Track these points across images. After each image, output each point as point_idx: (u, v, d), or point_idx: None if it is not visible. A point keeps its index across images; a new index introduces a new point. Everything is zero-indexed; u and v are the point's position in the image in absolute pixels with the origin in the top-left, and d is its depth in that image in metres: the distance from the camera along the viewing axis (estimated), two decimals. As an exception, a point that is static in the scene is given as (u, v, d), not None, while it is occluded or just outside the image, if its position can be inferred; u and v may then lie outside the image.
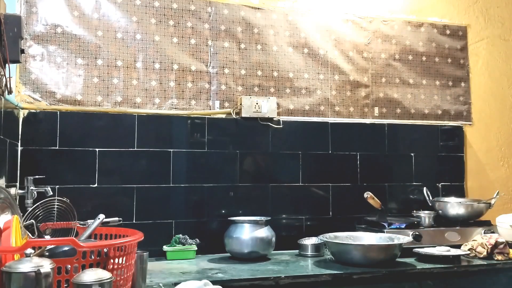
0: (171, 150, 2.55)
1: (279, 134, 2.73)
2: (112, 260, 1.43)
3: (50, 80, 2.40)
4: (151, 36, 2.58)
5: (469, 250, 2.40)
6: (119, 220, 2.02)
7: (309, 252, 2.47)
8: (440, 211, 2.76)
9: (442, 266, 2.22)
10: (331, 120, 2.85)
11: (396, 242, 2.30)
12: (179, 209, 2.54)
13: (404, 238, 2.31)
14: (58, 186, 2.31)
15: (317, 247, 2.48)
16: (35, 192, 2.12)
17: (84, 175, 2.39)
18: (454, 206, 2.73)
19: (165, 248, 2.40)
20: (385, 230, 2.47)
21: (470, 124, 3.13)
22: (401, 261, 2.28)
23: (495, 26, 3.25)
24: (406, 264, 2.24)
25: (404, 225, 2.53)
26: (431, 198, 2.87)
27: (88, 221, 1.93)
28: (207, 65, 2.67)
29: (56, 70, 2.42)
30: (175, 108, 2.59)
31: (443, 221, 2.72)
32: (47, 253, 1.41)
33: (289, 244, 2.59)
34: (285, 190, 2.73)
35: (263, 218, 2.44)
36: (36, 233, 1.74)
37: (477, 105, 3.18)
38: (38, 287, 1.19)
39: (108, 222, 1.93)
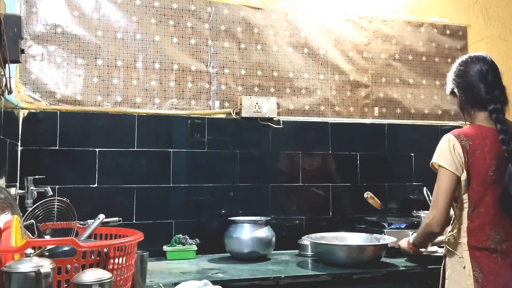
0: (171, 150, 2.55)
1: (279, 134, 2.73)
2: (112, 260, 1.43)
3: (50, 80, 2.40)
4: (151, 36, 2.58)
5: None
6: (119, 220, 2.02)
7: (309, 252, 2.47)
8: (440, 211, 2.75)
9: (442, 266, 2.22)
10: (331, 120, 2.85)
11: (381, 242, 2.32)
12: (179, 209, 2.54)
13: (389, 239, 2.31)
14: (58, 186, 2.31)
15: (317, 247, 2.48)
16: (35, 192, 2.12)
17: (84, 175, 2.39)
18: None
19: (165, 248, 2.40)
20: (385, 230, 2.47)
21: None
22: (401, 261, 2.28)
23: (495, 26, 3.25)
24: (406, 264, 2.24)
25: (404, 225, 2.53)
26: (431, 198, 2.86)
27: (88, 221, 1.93)
28: (207, 65, 2.67)
29: (56, 70, 2.42)
30: (175, 108, 2.59)
31: (443, 221, 2.71)
32: (47, 253, 1.41)
33: (289, 244, 2.59)
34: (285, 190, 2.73)
35: (263, 218, 2.44)
36: (36, 233, 1.74)
37: (477, 105, 3.18)
38: (38, 287, 1.19)
39: (108, 222, 1.93)
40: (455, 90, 1.86)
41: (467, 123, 1.89)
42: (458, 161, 1.71)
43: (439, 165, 1.75)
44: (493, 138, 1.73)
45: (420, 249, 2.02)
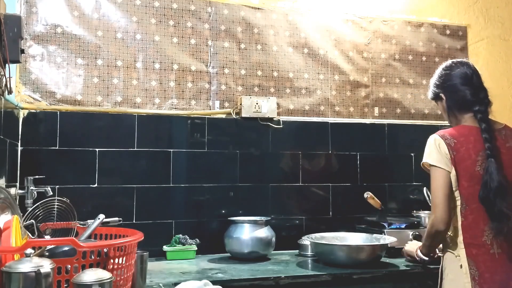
0: (171, 150, 2.55)
1: (279, 134, 2.73)
2: (112, 260, 1.43)
3: (50, 80, 2.40)
4: (151, 36, 2.58)
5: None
6: (119, 220, 2.02)
7: (309, 252, 2.47)
8: (440, 211, 2.75)
9: (442, 266, 2.22)
10: (331, 120, 2.85)
11: (381, 242, 2.32)
12: (179, 209, 2.54)
13: (389, 239, 2.31)
14: (58, 186, 2.31)
15: (317, 247, 2.48)
16: (35, 192, 2.12)
17: (84, 175, 2.39)
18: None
19: (165, 248, 2.40)
20: (385, 230, 2.47)
21: (470, 124, 3.13)
22: (401, 261, 2.28)
23: (495, 26, 3.25)
24: (407, 264, 2.24)
25: (404, 225, 2.53)
26: (431, 198, 2.86)
27: (88, 221, 1.93)
28: (207, 65, 2.67)
29: (56, 70, 2.42)
30: (175, 108, 2.59)
31: (443, 221, 2.71)
32: (47, 253, 1.41)
33: (289, 244, 2.59)
34: (285, 190, 2.73)
35: (263, 218, 2.45)
36: (36, 233, 1.74)
37: (477, 105, 3.17)
38: (38, 287, 1.19)
39: (108, 222, 1.93)
40: (441, 94, 1.92)
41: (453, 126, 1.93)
42: (445, 158, 1.78)
43: (430, 164, 1.84)
44: (476, 135, 1.79)
45: (427, 256, 1.97)
